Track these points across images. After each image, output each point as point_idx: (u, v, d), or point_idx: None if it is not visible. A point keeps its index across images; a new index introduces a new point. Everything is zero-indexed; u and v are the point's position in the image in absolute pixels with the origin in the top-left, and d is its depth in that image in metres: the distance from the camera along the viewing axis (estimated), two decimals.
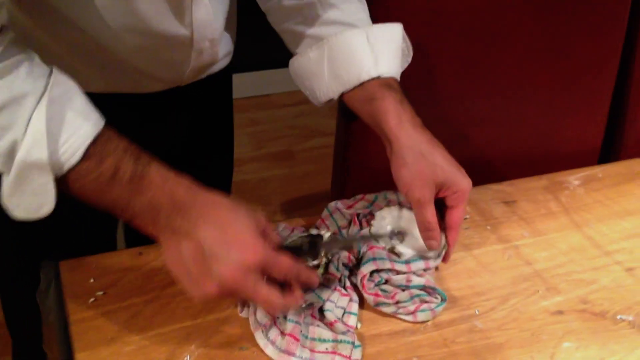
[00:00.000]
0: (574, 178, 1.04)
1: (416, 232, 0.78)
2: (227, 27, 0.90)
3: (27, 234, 0.83)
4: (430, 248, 0.78)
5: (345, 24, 0.86)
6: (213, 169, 1.06)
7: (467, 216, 0.94)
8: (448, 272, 0.84)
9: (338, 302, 0.75)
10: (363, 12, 0.90)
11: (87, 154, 0.61)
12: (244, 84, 2.62)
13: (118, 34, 0.75)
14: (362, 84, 0.84)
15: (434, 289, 0.77)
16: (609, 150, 1.28)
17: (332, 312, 0.73)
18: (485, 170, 1.19)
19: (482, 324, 0.77)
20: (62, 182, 0.62)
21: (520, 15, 1.11)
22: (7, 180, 0.61)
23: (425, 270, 0.79)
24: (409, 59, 0.92)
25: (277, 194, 2.38)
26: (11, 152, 0.59)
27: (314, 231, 0.81)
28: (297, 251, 0.73)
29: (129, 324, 0.73)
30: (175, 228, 0.63)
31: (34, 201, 0.61)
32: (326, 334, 0.71)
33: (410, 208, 0.80)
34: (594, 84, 1.21)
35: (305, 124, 2.77)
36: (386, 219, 0.83)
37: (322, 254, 0.76)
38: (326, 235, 0.78)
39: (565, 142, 1.24)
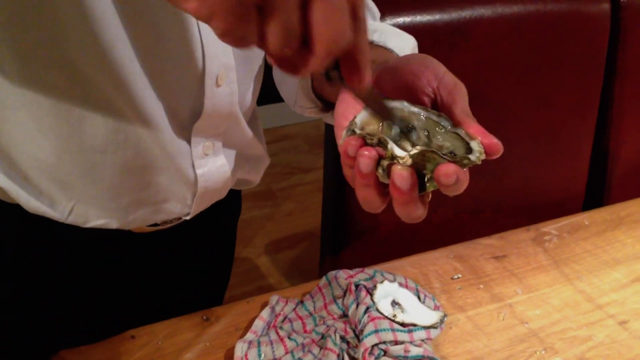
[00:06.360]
0: (560, 227, 1.05)
1: (413, 309, 0.78)
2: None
3: (21, 331, 0.80)
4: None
5: None
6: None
7: (459, 275, 0.94)
8: (444, 336, 0.83)
9: None
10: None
11: None
12: None
13: None
14: None
15: (432, 358, 0.77)
16: (594, 195, 1.30)
17: None
18: (473, 222, 1.20)
19: None
20: None
21: (503, 69, 1.13)
22: None
23: (424, 340, 0.79)
24: None
25: (260, 235, 2.36)
26: None
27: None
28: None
29: None
30: None
31: None
32: None
33: (406, 286, 0.79)
34: (575, 130, 1.23)
35: (284, 161, 2.76)
36: (387, 291, 0.82)
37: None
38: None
39: (550, 189, 1.26)
